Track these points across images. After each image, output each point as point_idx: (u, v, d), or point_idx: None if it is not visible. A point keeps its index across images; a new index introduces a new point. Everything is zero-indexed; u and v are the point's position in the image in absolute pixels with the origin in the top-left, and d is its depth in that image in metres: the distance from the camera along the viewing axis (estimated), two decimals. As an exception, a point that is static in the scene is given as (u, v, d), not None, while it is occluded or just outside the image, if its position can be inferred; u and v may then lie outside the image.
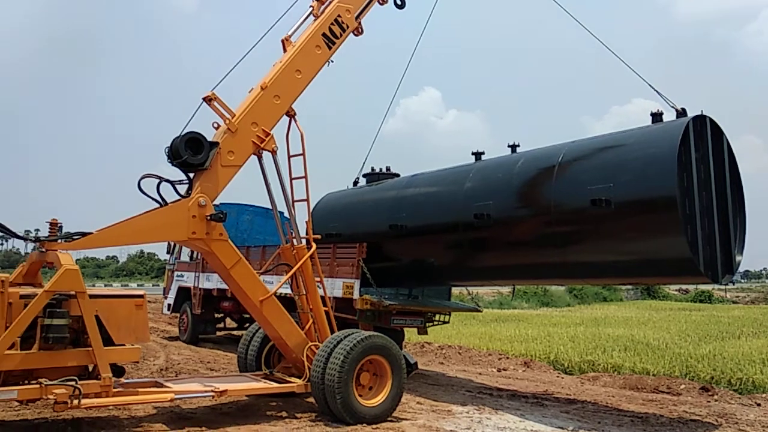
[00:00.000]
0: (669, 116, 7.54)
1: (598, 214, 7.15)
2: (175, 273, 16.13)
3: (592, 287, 42.44)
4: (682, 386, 10.51)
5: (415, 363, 8.87)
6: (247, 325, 15.12)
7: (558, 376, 12.15)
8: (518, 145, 9.21)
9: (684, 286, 53.40)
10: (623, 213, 7.08)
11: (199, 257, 14.97)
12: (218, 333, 15.99)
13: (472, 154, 9.75)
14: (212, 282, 14.41)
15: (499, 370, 12.57)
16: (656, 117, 7.58)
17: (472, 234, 8.71)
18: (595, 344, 15.30)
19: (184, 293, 15.60)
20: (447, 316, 11.95)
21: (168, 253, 17.06)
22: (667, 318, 24.97)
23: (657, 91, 7.99)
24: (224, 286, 13.52)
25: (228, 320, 16.24)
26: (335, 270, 10.47)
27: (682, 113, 7.39)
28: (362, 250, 10.05)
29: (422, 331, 11.67)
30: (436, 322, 11.81)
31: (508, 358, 13.84)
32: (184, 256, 16.05)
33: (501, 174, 8.64)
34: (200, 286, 14.83)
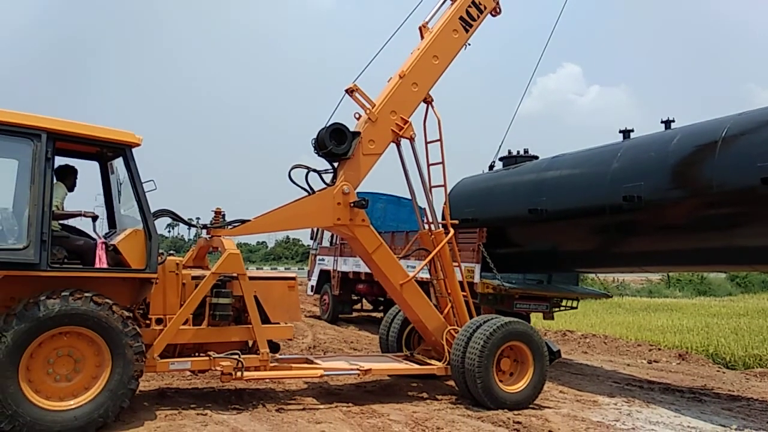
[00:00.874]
0: None
1: None
2: (318, 257, 17.29)
3: (759, 275, 38.08)
4: None
5: (558, 351, 8.62)
6: (382, 307, 16.09)
7: (718, 371, 11.17)
8: (673, 121, 8.50)
9: None
10: None
11: (337, 242, 15.92)
12: (355, 314, 16.94)
13: (620, 132, 9.15)
14: (348, 265, 15.29)
15: (649, 362, 11.81)
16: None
17: (621, 217, 8.19)
18: (763, 337, 13.80)
19: (324, 276, 16.73)
20: (575, 302, 11.71)
21: (311, 238, 18.29)
22: None
23: None
24: (359, 269, 14.55)
25: (366, 302, 17.04)
26: (456, 254, 10.68)
27: None
28: (482, 235, 10.20)
29: (548, 316, 11.57)
30: (563, 308, 11.63)
31: (659, 349, 12.95)
32: (325, 242, 17.09)
33: (653, 152, 8.02)
34: (338, 269, 15.78)
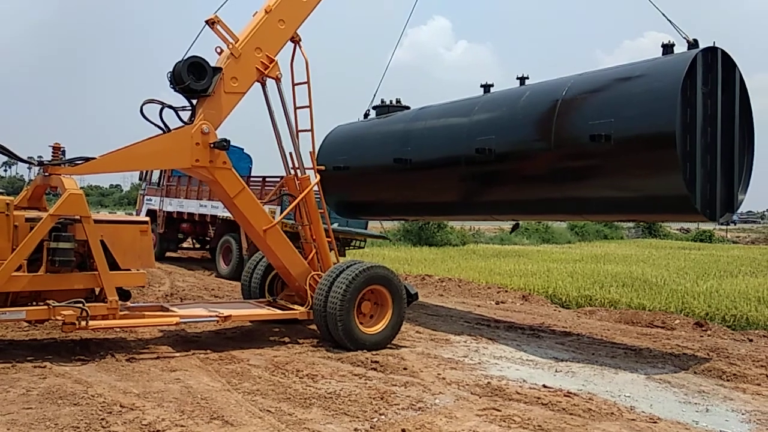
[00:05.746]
0: (681, 48, 7.28)
1: (598, 150, 7.03)
2: (145, 197, 18.29)
3: (594, 225, 42.57)
4: (677, 321, 10.70)
5: (416, 294, 9.02)
6: (208, 246, 17.71)
7: (555, 310, 12.37)
8: (527, 78, 8.97)
9: (685, 225, 53.56)
10: (623, 149, 6.92)
11: (164, 183, 17.10)
12: (179, 252, 18.68)
13: (481, 86, 9.53)
14: (173, 205, 16.70)
15: (497, 303, 12.79)
16: (667, 49, 7.30)
17: (474, 169, 8.62)
18: (594, 280, 15.47)
19: (151, 215, 17.26)
20: (362, 243, 14.99)
21: (140, 179, 19.43)
22: (667, 256, 25.13)
23: (669, 21, 7.68)
24: (183, 209, 16.22)
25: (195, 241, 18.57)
26: (263, 199, 11.51)
27: (693, 45, 7.09)
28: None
29: (340, 253, 13.47)
30: (352, 247, 14.66)
31: (506, 291, 14.05)
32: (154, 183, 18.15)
33: (506, 107, 8.45)
34: (164, 209, 16.98)
